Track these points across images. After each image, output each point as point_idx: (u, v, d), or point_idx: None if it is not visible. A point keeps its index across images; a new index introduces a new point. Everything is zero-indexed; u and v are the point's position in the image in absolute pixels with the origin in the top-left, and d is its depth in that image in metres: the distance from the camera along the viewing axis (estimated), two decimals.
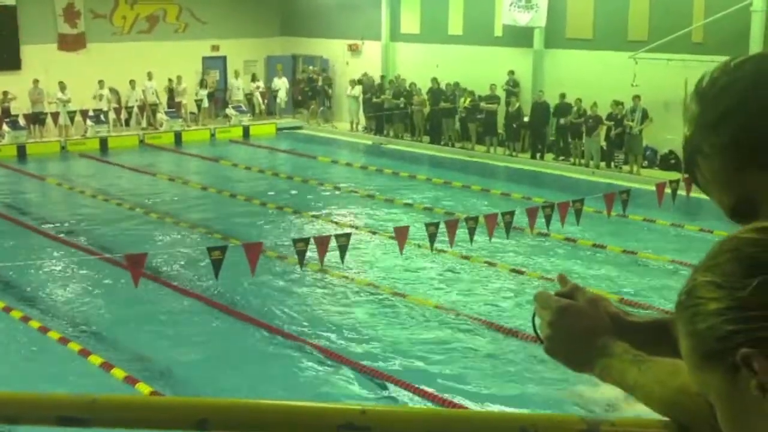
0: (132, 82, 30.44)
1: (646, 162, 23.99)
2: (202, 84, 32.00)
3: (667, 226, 18.20)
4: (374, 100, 30.20)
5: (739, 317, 1.07)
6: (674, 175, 19.89)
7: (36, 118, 29.06)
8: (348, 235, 13.78)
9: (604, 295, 1.71)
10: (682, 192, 16.83)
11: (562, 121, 25.16)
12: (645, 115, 23.32)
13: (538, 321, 1.60)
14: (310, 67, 33.90)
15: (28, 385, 11.00)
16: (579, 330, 1.56)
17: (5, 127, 28.04)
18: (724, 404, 1.12)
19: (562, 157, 25.47)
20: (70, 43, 30.88)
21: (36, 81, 28.89)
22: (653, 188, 16.60)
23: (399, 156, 27.29)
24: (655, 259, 16.04)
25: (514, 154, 26.38)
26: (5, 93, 28.51)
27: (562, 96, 25.05)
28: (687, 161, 1.31)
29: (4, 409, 1.54)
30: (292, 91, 33.75)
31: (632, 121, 23.52)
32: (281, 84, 33.29)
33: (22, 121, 28.61)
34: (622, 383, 1.48)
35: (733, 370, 1.08)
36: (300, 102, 33.21)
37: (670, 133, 22.52)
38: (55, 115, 29.12)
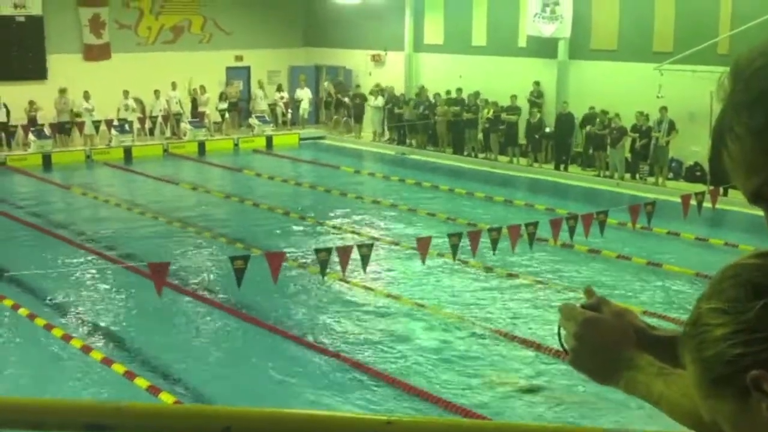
0: (156, 92, 30.64)
1: (671, 174, 23.86)
2: (222, 97, 32.16)
3: (692, 238, 18.09)
4: (396, 110, 30.25)
5: (745, 340, 1.07)
6: (700, 187, 19.78)
7: (61, 128, 29.31)
8: (370, 246, 13.77)
9: (628, 307, 1.70)
10: (707, 204, 16.72)
11: (588, 128, 25.10)
12: (672, 127, 23.20)
13: (563, 333, 1.60)
14: (324, 84, 33.92)
15: (50, 394, 11.07)
16: (604, 342, 1.56)
17: (31, 136, 28.30)
18: (736, 430, 1.11)
19: (588, 168, 25.39)
20: (96, 54, 31.14)
21: (62, 91, 29.14)
22: (678, 200, 16.50)
23: (422, 166, 27.29)
24: (680, 271, 15.94)
25: (535, 165, 26.30)
26: (31, 103, 28.77)
27: (591, 108, 24.92)
28: (715, 140, 1.29)
29: (31, 415, 1.55)
30: (315, 101, 33.87)
31: (659, 132, 23.41)
32: (304, 94, 33.41)
33: (47, 131, 28.86)
34: (647, 396, 1.48)
35: (744, 393, 1.07)
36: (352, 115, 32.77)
37: (695, 145, 22.43)
38: (81, 125, 29.35)
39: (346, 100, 32.77)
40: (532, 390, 11.30)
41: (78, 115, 29.12)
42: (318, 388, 11.39)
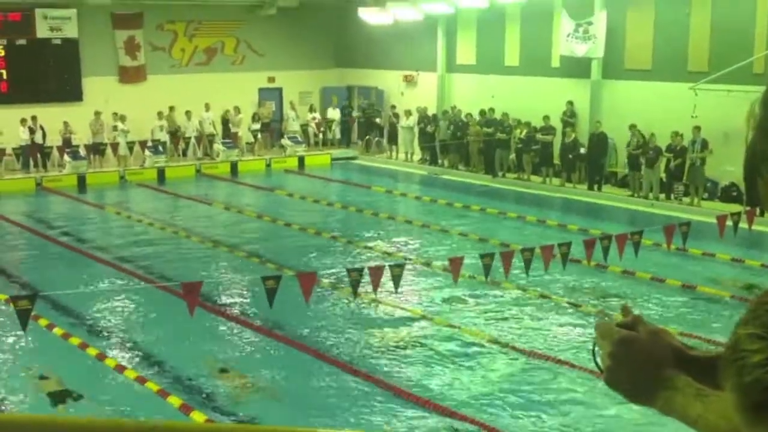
0: (188, 113, 30.92)
1: (706, 194, 23.62)
2: (254, 118, 32.43)
3: (727, 259, 17.88)
4: (428, 130, 30.28)
5: None
6: (735, 208, 19.59)
7: (96, 149, 29.67)
8: (402, 266, 13.77)
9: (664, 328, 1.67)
10: (743, 225, 16.57)
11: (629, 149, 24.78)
12: (705, 146, 22.97)
13: (598, 352, 1.57)
14: (349, 108, 33.97)
15: (84, 413, 11.12)
16: (640, 362, 1.55)
17: (66, 158, 28.65)
18: None
19: (623, 188, 25.20)
20: (131, 75, 31.52)
21: (97, 113, 29.50)
22: (714, 221, 16.35)
23: (453, 186, 27.27)
24: (715, 293, 15.74)
25: (568, 185, 26.14)
26: (66, 124, 29.14)
27: (633, 126, 24.52)
28: (748, 168, 1.27)
29: None
30: (347, 122, 33.99)
31: (693, 152, 23.20)
32: (335, 114, 33.61)
33: (82, 152, 29.21)
34: (684, 418, 1.45)
35: None
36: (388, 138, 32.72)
37: (730, 165, 22.20)
38: (115, 146, 29.69)
39: (378, 120, 32.85)
40: (569, 411, 11.18)
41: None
42: (354, 409, 11.35)
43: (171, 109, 30.71)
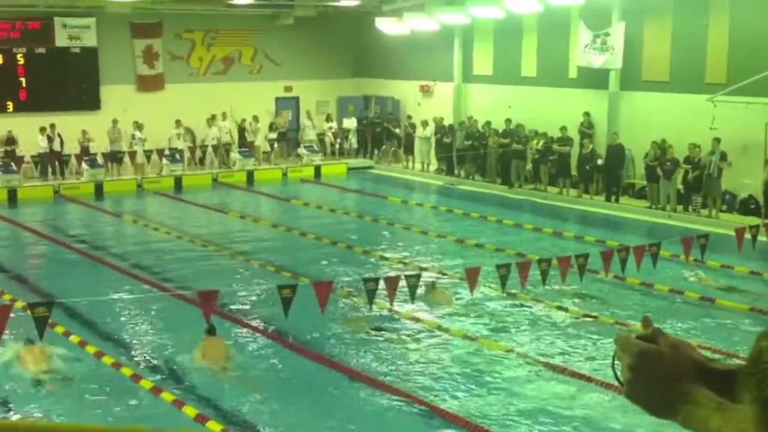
0: (208, 121, 31.07)
1: (724, 206, 23.46)
2: (271, 127, 32.53)
3: (746, 272, 17.76)
4: (445, 140, 30.26)
5: None
6: (754, 220, 19.47)
7: (114, 157, 29.80)
8: (418, 276, 13.73)
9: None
10: (762, 238, 16.46)
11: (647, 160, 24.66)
12: (723, 158, 22.78)
13: (618, 364, 1.55)
14: (364, 119, 33.99)
15: (99, 420, 11.13)
16: (660, 375, 1.53)
17: (84, 165, 28.79)
18: None
19: (640, 200, 25.07)
20: (149, 84, 31.67)
21: (115, 121, 29.64)
22: (732, 233, 16.25)
23: (470, 197, 27.22)
24: (734, 306, 15.62)
25: (585, 196, 26.04)
26: (84, 132, 29.29)
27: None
28: None
29: None
30: (363, 132, 33.99)
31: (712, 164, 23.03)
32: (351, 124, 33.63)
33: (100, 160, 29.34)
34: (705, 431, 1.43)
35: None
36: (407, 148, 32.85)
37: (749, 177, 22.08)
38: (132, 154, 29.82)
39: (397, 130, 32.81)
40: (587, 424, 11.11)
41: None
42: (364, 420, 11.31)
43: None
